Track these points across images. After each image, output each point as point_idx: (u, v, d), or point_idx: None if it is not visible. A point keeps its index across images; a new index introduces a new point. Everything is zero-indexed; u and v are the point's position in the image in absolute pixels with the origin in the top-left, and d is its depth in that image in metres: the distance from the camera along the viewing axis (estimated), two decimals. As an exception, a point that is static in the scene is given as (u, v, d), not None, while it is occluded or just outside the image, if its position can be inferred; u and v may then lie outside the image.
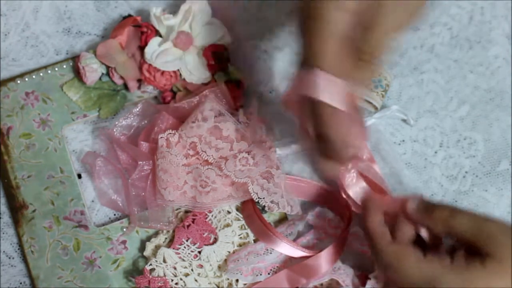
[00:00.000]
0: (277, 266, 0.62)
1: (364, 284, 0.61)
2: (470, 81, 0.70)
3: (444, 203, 0.57)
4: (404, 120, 0.68)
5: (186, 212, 0.64)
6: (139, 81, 0.67)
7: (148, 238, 0.64)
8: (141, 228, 0.65)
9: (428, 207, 0.54)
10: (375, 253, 0.54)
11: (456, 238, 0.53)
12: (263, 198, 0.60)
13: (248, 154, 0.60)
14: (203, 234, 0.63)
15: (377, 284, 0.60)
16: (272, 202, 0.60)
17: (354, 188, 0.62)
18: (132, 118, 0.66)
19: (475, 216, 0.52)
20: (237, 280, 0.63)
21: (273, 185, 0.60)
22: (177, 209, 0.64)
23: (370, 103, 0.66)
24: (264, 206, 0.61)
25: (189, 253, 0.62)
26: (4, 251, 0.65)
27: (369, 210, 0.57)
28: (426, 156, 0.68)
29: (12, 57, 0.69)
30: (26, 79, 0.67)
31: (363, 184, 0.62)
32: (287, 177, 0.64)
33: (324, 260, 0.61)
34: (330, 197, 0.65)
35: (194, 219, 0.63)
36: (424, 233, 0.55)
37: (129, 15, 0.69)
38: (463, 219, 0.52)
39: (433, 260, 0.51)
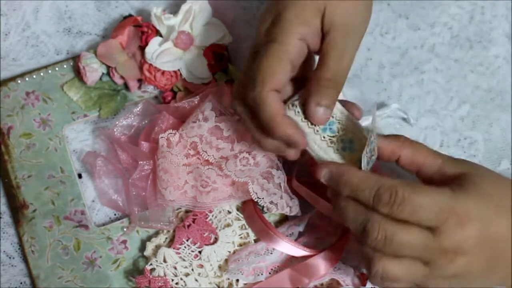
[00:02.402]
0: (278, 266, 0.62)
1: (364, 283, 0.61)
2: (470, 80, 0.70)
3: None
4: (404, 119, 0.68)
5: (187, 211, 0.64)
6: (140, 81, 0.67)
7: (149, 238, 0.64)
8: (142, 228, 0.65)
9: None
10: (393, 199, 0.49)
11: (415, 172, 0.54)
12: (262, 198, 0.60)
13: (249, 154, 0.60)
14: (204, 234, 0.63)
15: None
16: (271, 202, 0.60)
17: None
18: (132, 118, 0.66)
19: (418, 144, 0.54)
20: (237, 280, 0.62)
21: (273, 186, 0.60)
22: (177, 209, 0.64)
23: None
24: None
25: (189, 253, 0.62)
26: (4, 251, 0.66)
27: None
28: (426, 156, 0.68)
29: (13, 57, 0.69)
30: (27, 79, 0.67)
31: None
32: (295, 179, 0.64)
33: (326, 259, 0.61)
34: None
35: (194, 219, 0.63)
36: None
37: (130, 15, 0.69)
38: (429, 153, 0.53)
39: (436, 187, 0.50)
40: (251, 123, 0.55)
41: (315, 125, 0.55)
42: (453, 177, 0.51)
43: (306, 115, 0.54)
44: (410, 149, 0.53)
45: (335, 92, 0.53)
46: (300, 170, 0.66)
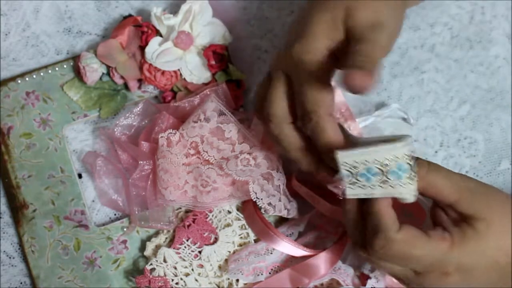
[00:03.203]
0: (278, 266, 0.62)
1: (364, 284, 0.62)
2: (470, 80, 0.70)
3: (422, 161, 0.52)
4: (404, 119, 0.68)
5: (187, 211, 0.64)
6: (140, 81, 0.67)
7: (149, 238, 0.64)
8: (142, 228, 0.65)
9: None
10: (382, 245, 0.49)
11: (433, 198, 0.52)
12: (261, 199, 0.60)
13: (250, 155, 0.60)
14: (204, 234, 0.63)
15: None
16: (269, 204, 0.60)
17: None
18: (132, 118, 0.66)
19: (452, 177, 0.51)
20: (237, 280, 0.63)
21: (272, 187, 0.60)
22: (177, 209, 0.64)
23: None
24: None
25: (189, 253, 0.62)
26: (4, 251, 0.66)
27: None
28: (426, 156, 0.68)
29: (13, 56, 0.69)
30: (27, 78, 0.67)
31: None
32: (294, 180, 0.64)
33: (326, 259, 0.61)
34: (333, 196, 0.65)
35: (194, 219, 0.63)
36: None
37: (130, 15, 0.69)
38: (444, 180, 0.51)
39: (436, 239, 0.50)
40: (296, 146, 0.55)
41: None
42: (465, 216, 0.51)
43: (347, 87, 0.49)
44: (423, 182, 0.51)
45: (375, 61, 0.49)
46: (301, 170, 0.66)
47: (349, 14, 0.52)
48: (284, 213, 0.61)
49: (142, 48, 0.66)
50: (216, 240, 0.63)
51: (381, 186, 0.50)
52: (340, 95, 0.67)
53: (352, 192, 0.50)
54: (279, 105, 0.54)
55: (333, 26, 0.52)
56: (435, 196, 0.52)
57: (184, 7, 0.66)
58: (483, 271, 0.51)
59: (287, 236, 0.62)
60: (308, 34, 0.53)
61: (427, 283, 0.51)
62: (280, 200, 0.61)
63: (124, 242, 0.65)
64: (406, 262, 0.50)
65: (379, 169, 0.49)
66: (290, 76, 0.54)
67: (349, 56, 0.49)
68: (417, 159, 0.51)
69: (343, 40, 0.53)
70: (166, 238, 0.64)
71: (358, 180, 0.50)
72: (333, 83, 0.65)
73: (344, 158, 0.50)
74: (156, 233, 0.64)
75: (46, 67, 0.68)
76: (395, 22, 0.53)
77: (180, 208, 0.64)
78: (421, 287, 0.52)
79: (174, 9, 0.69)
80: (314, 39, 0.52)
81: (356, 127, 0.66)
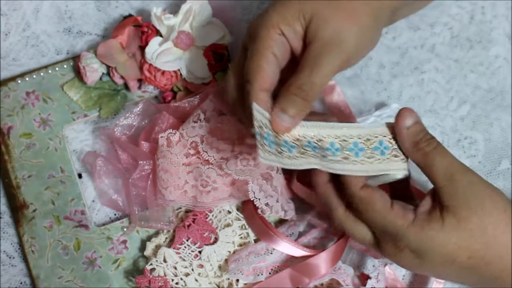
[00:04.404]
0: (278, 266, 0.62)
1: (364, 284, 0.62)
2: (470, 80, 0.70)
3: (433, 137, 0.53)
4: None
5: (187, 211, 0.64)
6: (140, 81, 0.67)
7: (149, 238, 0.64)
8: (142, 228, 0.65)
9: (418, 133, 0.53)
10: (349, 196, 0.53)
11: (428, 178, 0.52)
12: (259, 199, 0.60)
13: (249, 155, 0.60)
14: (204, 234, 0.63)
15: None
16: (266, 204, 0.60)
17: None
18: (132, 118, 0.66)
19: (452, 165, 0.51)
20: (237, 280, 0.63)
21: (271, 188, 0.60)
22: (177, 209, 0.64)
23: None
24: (262, 207, 0.61)
25: (189, 253, 0.62)
26: (4, 251, 0.66)
27: None
28: (426, 156, 0.68)
29: (13, 56, 0.69)
30: (27, 78, 0.67)
31: None
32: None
33: (326, 259, 0.61)
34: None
35: (194, 219, 0.63)
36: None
37: (130, 15, 0.69)
38: (442, 164, 0.51)
39: (398, 213, 0.51)
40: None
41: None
42: (442, 206, 0.51)
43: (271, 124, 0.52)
44: (423, 158, 0.52)
45: (303, 103, 0.51)
46: (302, 171, 0.66)
47: (314, 21, 0.53)
48: (281, 214, 0.61)
49: (142, 48, 0.66)
50: (216, 240, 0.63)
51: (303, 157, 0.52)
52: (340, 94, 0.67)
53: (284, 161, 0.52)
54: (233, 86, 0.56)
55: (294, 17, 0.53)
56: (429, 175, 0.52)
57: (184, 7, 0.66)
58: (436, 261, 0.51)
59: (287, 236, 0.62)
60: (267, 11, 0.54)
61: (385, 253, 0.54)
62: (277, 201, 0.61)
63: (124, 242, 0.65)
64: (365, 217, 0.53)
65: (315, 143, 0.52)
66: (247, 49, 0.55)
67: (288, 87, 0.52)
68: (431, 137, 0.52)
69: (303, 37, 0.54)
70: (166, 238, 0.64)
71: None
72: (332, 82, 0.65)
73: (256, 110, 0.51)
74: (156, 233, 0.64)
75: (46, 67, 0.68)
76: (357, 43, 0.53)
77: (180, 208, 0.64)
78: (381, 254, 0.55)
79: (174, 9, 0.69)
80: (270, 16, 0.54)
81: None
